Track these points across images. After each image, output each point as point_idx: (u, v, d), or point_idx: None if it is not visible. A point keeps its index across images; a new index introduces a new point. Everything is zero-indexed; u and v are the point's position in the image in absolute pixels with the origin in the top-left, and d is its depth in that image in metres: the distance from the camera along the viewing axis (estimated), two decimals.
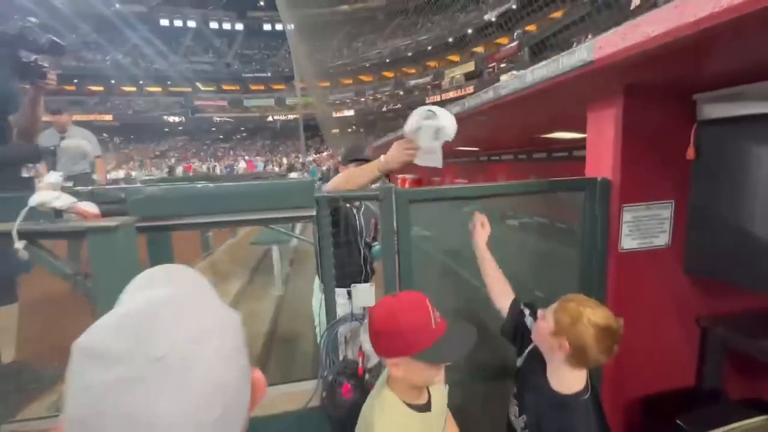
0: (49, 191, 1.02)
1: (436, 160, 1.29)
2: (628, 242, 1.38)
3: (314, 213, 1.21)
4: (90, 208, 1.04)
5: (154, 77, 42.32)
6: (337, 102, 40.10)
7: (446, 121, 1.27)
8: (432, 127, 1.26)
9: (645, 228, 1.38)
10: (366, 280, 1.75)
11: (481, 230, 1.25)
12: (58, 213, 1.04)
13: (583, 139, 1.54)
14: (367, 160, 1.67)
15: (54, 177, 1.04)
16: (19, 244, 0.96)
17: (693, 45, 0.90)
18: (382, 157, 1.36)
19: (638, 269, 1.39)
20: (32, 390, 1.47)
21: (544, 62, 1.35)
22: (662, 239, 1.40)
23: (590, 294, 1.34)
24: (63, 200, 1.02)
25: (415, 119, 1.28)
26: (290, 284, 3.75)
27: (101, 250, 0.98)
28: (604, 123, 1.40)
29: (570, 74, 1.23)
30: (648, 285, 1.42)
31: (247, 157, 20.54)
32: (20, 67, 1.48)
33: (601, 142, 1.43)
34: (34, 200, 0.99)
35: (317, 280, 1.76)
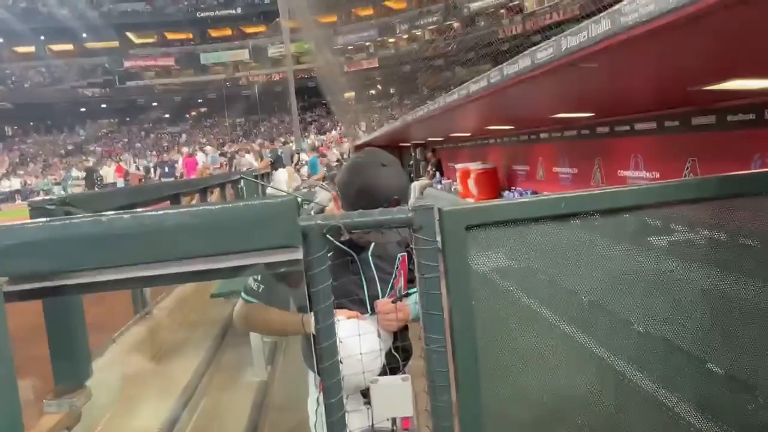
0: None
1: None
2: None
3: (300, 256, 1.19)
4: None
5: (59, 30, 44.71)
6: (351, 48, 40.81)
7: None
8: None
9: None
10: (394, 369, 1.67)
11: None
12: None
13: None
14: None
15: None
16: None
17: None
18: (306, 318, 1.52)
19: None
20: None
21: None
22: None
23: None
24: None
25: None
26: (279, 362, 3.77)
27: None
28: None
29: None
30: None
31: (188, 149, 21.13)
32: None
33: None
34: None
35: (312, 374, 1.74)
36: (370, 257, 1.76)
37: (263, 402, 3.30)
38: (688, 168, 3.63)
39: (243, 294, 1.78)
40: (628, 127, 4.44)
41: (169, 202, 4.33)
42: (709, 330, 1.57)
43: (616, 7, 1.66)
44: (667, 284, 1.46)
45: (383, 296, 1.76)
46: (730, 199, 1.36)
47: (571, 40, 1.95)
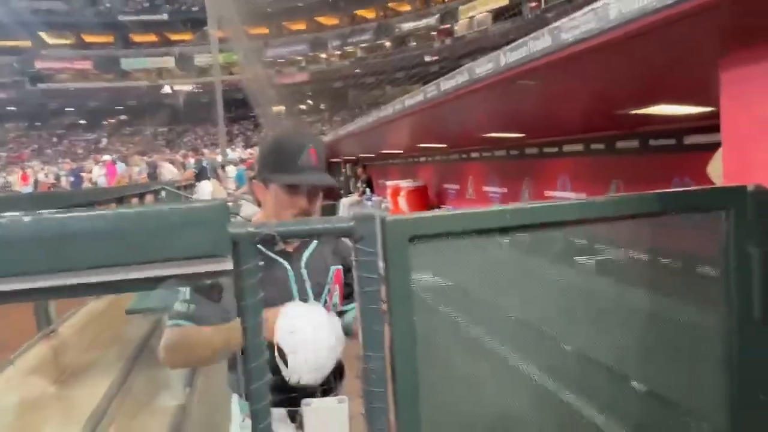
0: None
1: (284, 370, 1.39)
2: None
3: (229, 266, 1.10)
4: None
5: None
6: (282, 60, 40.57)
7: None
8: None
9: None
10: (327, 390, 1.61)
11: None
12: None
13: (704, 116, 1.50)
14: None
15: None
16: None
17: None
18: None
19: None
20: None
21: None
22: None
23: (745, 398, 1.25)
24: None
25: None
26: (198, 385, 3.60)
27: None
28: (753, 89, 1.36)
29: (692, 1, 1.19)
30: None
31: (107, 157, 20.13)
32: None
33: (747, 124, 1.39)
34: None
35: (235, 397, 1.62)
36: (303, 269, 1.68)
37: (180, 429, 3.11)
38: (613, 189, 3.79)
39: (170, 322, 1.60)
40: (556, 149, 4.60)
41: None
42: (633, 348, 1.62)
43: (557, 23, 1.69)
44: (585, 300, 1.48)
45: (320, 298, 1.70)
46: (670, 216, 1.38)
47: (511, 56, 1.97)
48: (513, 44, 1.99)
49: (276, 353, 1.35)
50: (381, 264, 1.16)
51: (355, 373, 1.23)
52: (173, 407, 3.31)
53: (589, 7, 1.49)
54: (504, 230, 1.20)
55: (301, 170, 1.58)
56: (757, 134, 1.37)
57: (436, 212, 1.22)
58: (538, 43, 1.78)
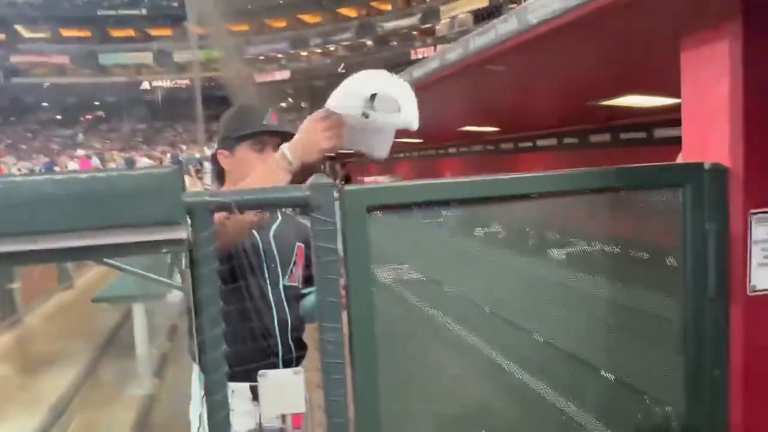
0: None
1: (380, 146, 1.32)
2: (764, 277, 1.34)
3: (184, 235, 1.09)
4: None
5: None
6: (262, 58, 40.31)
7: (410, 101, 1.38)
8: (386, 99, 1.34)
9: None
10: (287, 363, 1.64)
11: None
12: None
13: (674, 108, 1.53)
14: (278, 135, 1.61)
15: None
16: None
17: None
18: (284, 147, 1.38)
19: None
20: None
21: None
22: None
23: (701, 376, 1.27)
24: None
25: (357, 86, 1.36)
26: (168, 374, 3.58)
27: None
28: (710, 70, 1.39)
29: None
30: None
31: (81, 153, 19.82)
32: None
33: (706, 104, 1.42)
34: None
35: (196, 368, 1.61)
36: (271, 239, 1.70)
37: (147, 419, 3.07)
38: None
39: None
40: (530, 144, 4.65)
41: None
42: (601, 333, 1.64)
43: (523, 4, 1.71)
44: (558, 291, 1.50)
45: (285, 272, 1.72)
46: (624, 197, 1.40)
47: (477, 41, 1.99)
48: (482, 28, 2.01)
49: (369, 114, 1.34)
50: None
51: (314, 345, 1.23)
52: (140, 397, 3.28)
53: None
54: (462, 202, 1.20)
55: (267, 129, 1.62)
56: (715, 112, 1.40)
57: (395, 183, 1.22)
58: (506, 25, 1.79)
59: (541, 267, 1.64)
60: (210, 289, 1.12)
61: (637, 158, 3.32)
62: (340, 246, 1.16)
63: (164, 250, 1.16)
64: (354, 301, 1.15)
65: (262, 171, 1.40)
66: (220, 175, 1.70)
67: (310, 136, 1.34)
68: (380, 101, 1.31)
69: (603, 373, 1.50)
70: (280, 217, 1.76)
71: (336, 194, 1.13)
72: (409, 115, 1.35)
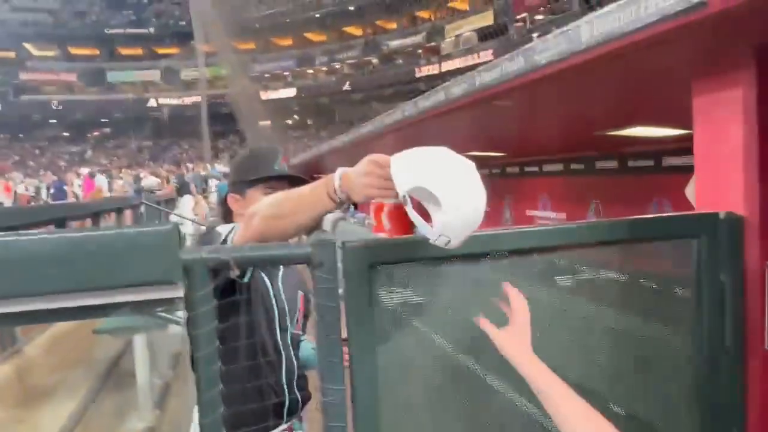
0: None
1: (426, 229, 1.09)
2: None
3: (181, 293, 1.06)
4: None
5: None
6: (268, 75, 40.60)
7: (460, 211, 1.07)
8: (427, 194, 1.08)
9: None
10: (290, 413, 1.62)
11: (511, 327, 1.10)
12: None
13: (682, 138, 1.50)
14: (288, 180, 1.58)
15: None
16: None
17: None
18: (337, 173, 1.17)
19: None
20: None
21: (611, 6, 1.31)
22: None
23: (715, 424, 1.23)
24: None
25: (420, 165, 1.11)
26: (171, 405, 3.52)
27: None
28: (723, 115, 1.37)
29: (660, 26, 1.19)
30: None
31: (85, 170, 19.87)
32: None
33: (719, 151, 1.39)
34: None
35: (196, 417, 1.57)
36: (280, 285, 1.67)
37: None
38: (592, 209, 3.79)
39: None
40: (536, 168, 4.61)
41: (53, 226, 3.95)
42: (606, 367, 1.60)
43: (529, 45, 1.68)
44: (562, 319, 1.46)
45: (292, 319, 1.69)
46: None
47: (485, 76, 1.96)
48: (487, 65, 1.98)
49: (405, 206, 1.09)
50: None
51: (316, 405, 1.18)
52: (141, 429, 3.23)
53: (559, 30, 1.48)
54: (470, 257, 1.16)
55: (278, 173, 1.61)
56: (729, 159, 1.36)
57: (399, 239, 1.18)
58: (512, 64, 1.77)
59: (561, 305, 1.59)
60: (208, 351, 1.08)
61: (646, 186, 3.29)
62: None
63: (160, 310, 1.14)
64: (356, 363, 1.12)
65: (309, 190, 1.20)
66: (226, 216, 1.68)
67: (360, 180, 1.15)
68: (421, 194, 1.08)
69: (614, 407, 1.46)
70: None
71: (337, 251, 1.10)
72: (448, 229, 1.07)
